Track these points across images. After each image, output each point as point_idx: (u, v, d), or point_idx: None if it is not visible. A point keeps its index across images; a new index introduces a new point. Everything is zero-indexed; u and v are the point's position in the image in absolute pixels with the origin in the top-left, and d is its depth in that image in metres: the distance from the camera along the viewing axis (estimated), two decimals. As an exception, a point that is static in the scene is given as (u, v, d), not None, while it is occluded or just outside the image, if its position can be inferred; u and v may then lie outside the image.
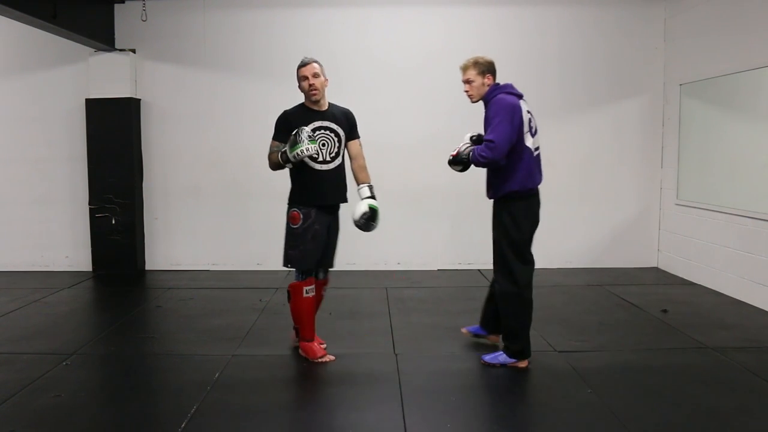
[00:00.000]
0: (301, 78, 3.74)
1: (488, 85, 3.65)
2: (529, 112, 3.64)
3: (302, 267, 3.76)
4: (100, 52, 6.39)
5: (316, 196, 3.74)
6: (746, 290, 5.19)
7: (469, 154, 3.59)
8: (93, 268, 6.56)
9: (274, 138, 3.74)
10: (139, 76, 6.53)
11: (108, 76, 6.39)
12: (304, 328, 3.81)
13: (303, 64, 3.76)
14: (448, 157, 3.73)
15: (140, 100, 6.56)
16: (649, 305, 5.11)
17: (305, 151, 3.53)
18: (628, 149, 6.65)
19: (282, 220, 3.81)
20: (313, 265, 3.79)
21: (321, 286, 4.01)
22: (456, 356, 3.98)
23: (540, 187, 3.72)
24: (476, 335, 4.11)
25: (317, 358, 3.79)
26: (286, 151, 3.58)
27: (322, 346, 3.95)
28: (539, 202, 3.73)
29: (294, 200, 3.77)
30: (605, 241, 6.72)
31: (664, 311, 4.92)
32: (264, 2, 6.51)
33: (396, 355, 3.80)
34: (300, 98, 3.83)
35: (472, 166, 3.66)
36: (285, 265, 3.78)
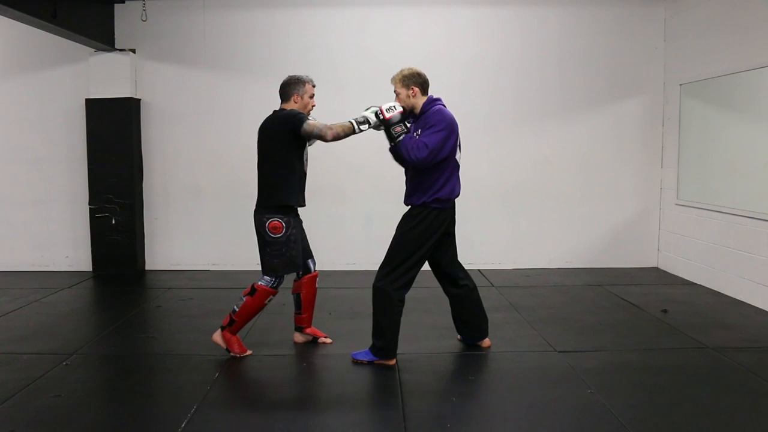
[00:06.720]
0: (311, 94, 3.84)
1: (413, 97, 3.71)
2: None
3: (287, 272, 3.80)
4: (100, 52, 6.39)
5: (300, 200, 3.83)
6: (746, 290, 5.19)
7: (399, 137, 3.59)
8: (93, 268, 6.56)
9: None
10: (139, 76, 6.53)
11: (108, 76, 6.38)
12: (240, 324, 3.88)
13: (313, 83, 3.86)
14: (379, 114, 3.56)
15: (140, 100, 6.56)
16: (649, 305, 5.11)
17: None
18: (628, 149, 6.65)
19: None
20: (298, 268, 3.88)
21: (314, 279, 4.13)
22: (456, 356, 3.99)
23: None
24: (469, 343, 4.11)
25: (236, 353, 3.87)
26: (366, 117, 3.60)
27: (327, 340, 4.15)
28: (454, 213, 3.86)
29: (273, 209, 3.75)
30: (605, 241, 6.72)
31: (664, 311, 4.92)
32: (264, 2, 6.51)
33: (396, 354, 3.80)
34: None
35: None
36: (267, 274, 3.78)
